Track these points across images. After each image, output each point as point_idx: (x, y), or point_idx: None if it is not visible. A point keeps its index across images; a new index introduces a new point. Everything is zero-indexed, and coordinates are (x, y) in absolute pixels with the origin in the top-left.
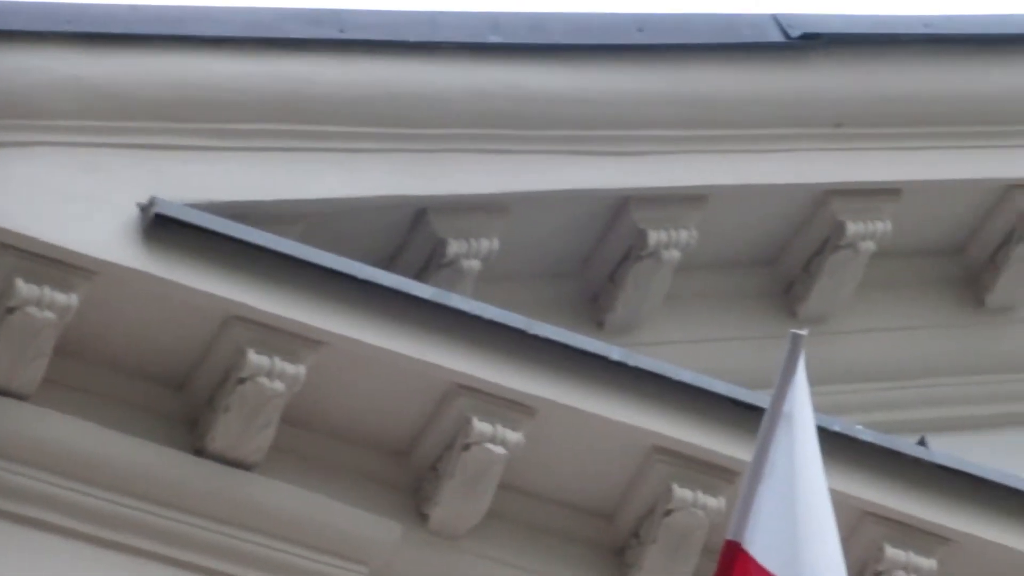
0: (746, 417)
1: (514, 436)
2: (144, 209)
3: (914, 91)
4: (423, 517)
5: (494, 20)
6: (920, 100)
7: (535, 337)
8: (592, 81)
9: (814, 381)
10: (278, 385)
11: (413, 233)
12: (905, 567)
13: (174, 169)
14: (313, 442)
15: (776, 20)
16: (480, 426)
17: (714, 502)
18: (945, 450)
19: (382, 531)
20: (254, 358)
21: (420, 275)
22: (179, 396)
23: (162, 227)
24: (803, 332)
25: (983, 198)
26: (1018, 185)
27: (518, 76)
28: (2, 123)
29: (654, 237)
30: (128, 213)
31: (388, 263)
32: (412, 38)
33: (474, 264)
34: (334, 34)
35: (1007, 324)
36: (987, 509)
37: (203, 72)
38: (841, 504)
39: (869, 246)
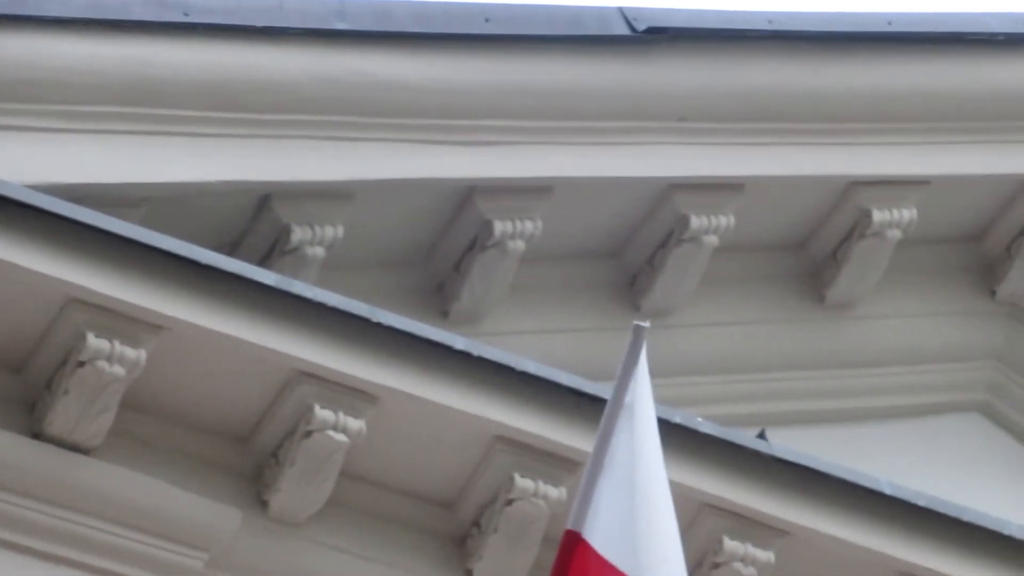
0: (588, 408)
1: (356, 424)
2: None
3: (758, 87)
4: (263, 504)
5: (340, 7)
6: (764, 96)
7: (379, 325)
8: (438, 70)
9: (656, 373)
10: (118, 369)
11: (257, 219)
12: (743, 559)
13: (14, 150)
14: (153, 427)
15: (622, 13)
16: (322, 413)
17: (555, 492)
18: (784, 444)
19: (222, 517)
20: (94, 342)
21: (264, 261)
22: (17, 379)
23: (0, 208)
24: (646, 324)
25: (826, 195)
26: (860, 182)
27: (364, 63)
28: None
29: (499, 228)
30: None
31: (232, 249)
32: (258, 23)
33: (318, 251)
34: (179, 17)
35: (847, 320)
36: (824, 502)
37: (47, 53)
38: (681, 496)
39: (712, 240)
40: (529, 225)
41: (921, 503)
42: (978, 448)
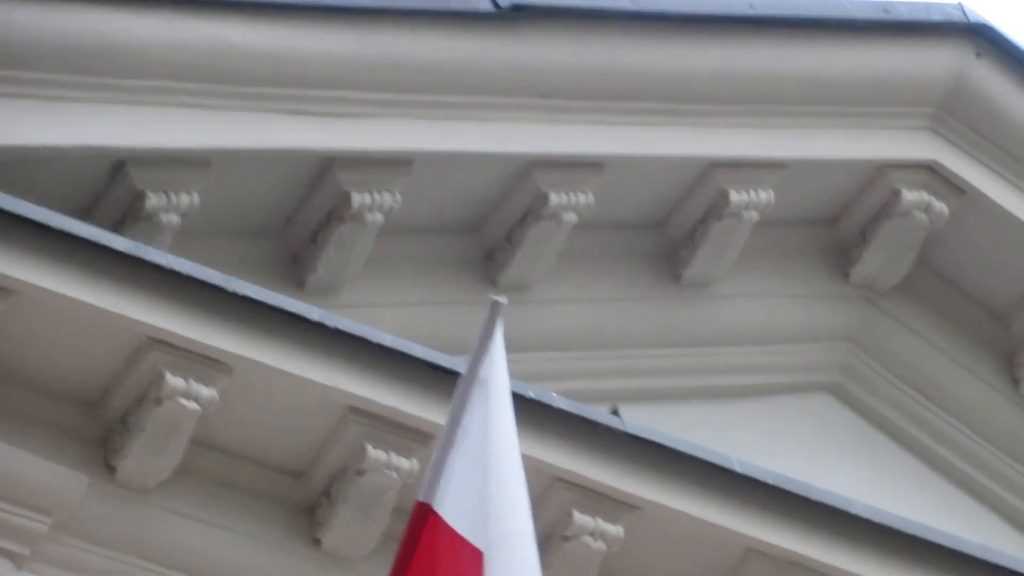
0: (442, 381)
1: (208, 392)
2: None
3: (621, 66)
4: (111, 469)
5: None
6: (626, 75)
7: (233, 294)
8: (299, 40)
9: (511, 348)
10: None
11: (112, 185)
12: (592, 533)
13: None
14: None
15: None
16: (173, 381)
17: (407, 464)
18: (637, 420)
19: (68, 482)
20: None
21: (117, 228)
22: None
23: None
24: (502, 299)
25: (684, 175)
26: (718, 164)
27: (223, 31)
28: None
29: (358, 200)
30: None
31: (85, 214)
32: None
33: (173, 219)
34: None
35: (702, 299)
36: (675, 478)
37: None
38: (532, 469)
39: (571, 218)
40: (388, 198)
41: (770, 481)
42: (829, 428)
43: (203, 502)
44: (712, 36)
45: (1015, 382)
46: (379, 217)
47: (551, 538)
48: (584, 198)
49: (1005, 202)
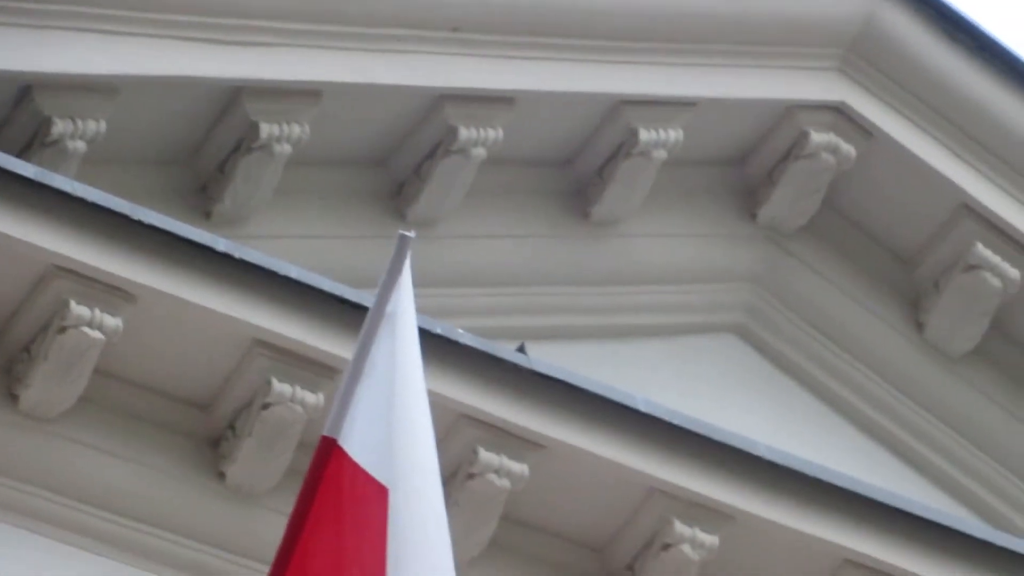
0: (349, 315)
1: (112, 321)
2: None
3: (533, 0)
4: (13, 398)
5: None
6: (538, 10)
7: (139, 223)
8: None
9: (420, 283)
10: None
11: (17, 110)
12: (497, 470)
13: None
14: None
15: None
16: (77, 309)
17: (313, 398)
18: (543, 358)
19: None
20: None
21: (23, 153)
22: None
23: None
24: (410, 234)
25: (594, 112)
26: (628, 101)
27: None
28: None
29: (266, 130)
30: None
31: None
32: None
33: (79, 146)
34: None
35: (610, 238)
36: (580, 417)
37: None
38: (439, 406)
39: (480, 153)
40: (296, 129)
41: (674, 421)
42: (734, 369)
43: (106, 433)
44: None
45: (919, 326)
46: (287, 148)
47: (456, 475)
48: (494, 133)
49: (912, 145)
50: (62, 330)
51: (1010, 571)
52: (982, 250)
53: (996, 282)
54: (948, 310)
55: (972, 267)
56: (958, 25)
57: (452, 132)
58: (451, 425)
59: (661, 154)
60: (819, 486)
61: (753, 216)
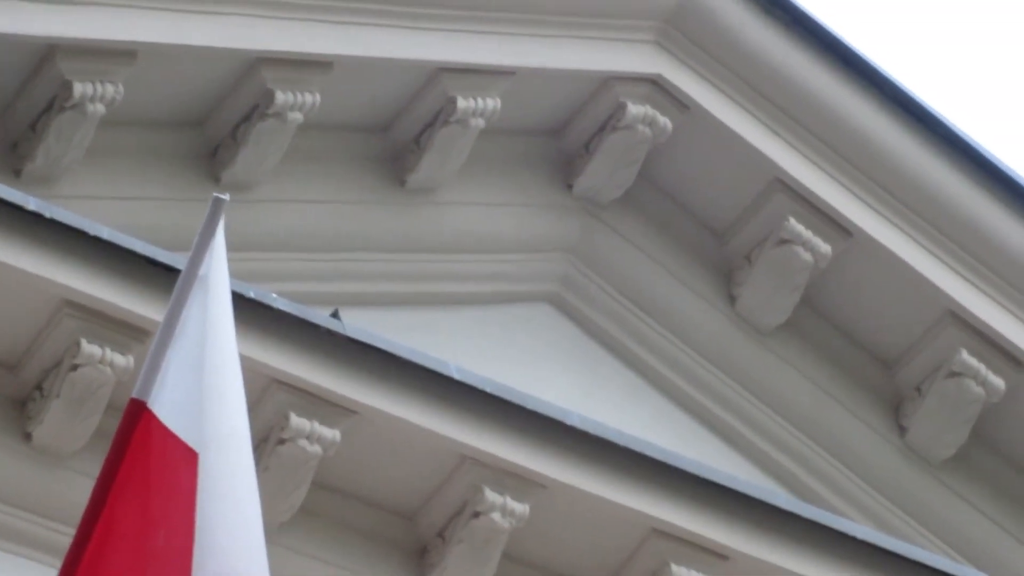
0: (162, 277)
1: None
2: None
3: None
4: None
5: None
6: None
7: None
8: None
9: (233, 247)
10: None
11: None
12: (309, 436)
13: None
14: None
15: None
16: None
17: (122, 360)
18: (357, 324)
19: None
20: None
21: None
22: None
23: None
24: (224, 197)
25: (412, 79)
26: (447, 69)
27: None
28: None
29: (79, 89)
30: None
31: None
32: None
33: None
34: None
35: (426, 205)
36: (394, 384)
37: None
38: (251, 370)
39: (297, 117)
40: (111, 89)
41: (487, 389)
42: (548, 339)
43: None
44: None
45: (731, 299)
46: (101, 108)
47: (267, 440)
48: (311, 98)
49: (727, 119)
50: None
51: (815, 543)
52: (794, 225)
53: (807, 256)
54: (760, 283)
55: (784, 241)
56: (774, 0)
57: (268, 96)
58: (263, 390)
59: (479, 123)
60: (630, 456)
61: (569, 187)
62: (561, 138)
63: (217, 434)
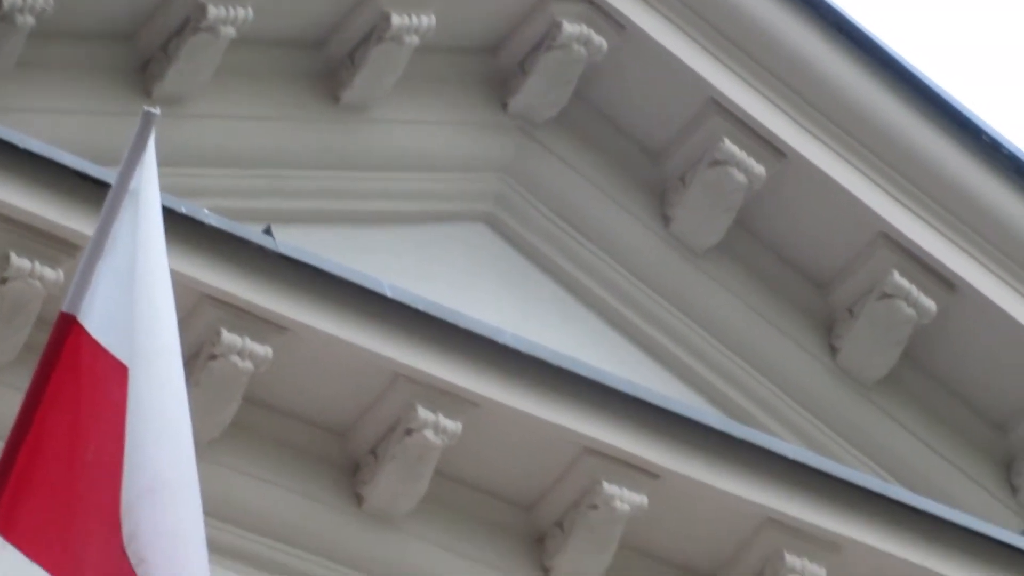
0: (92, 191)
1: None
2: None
3: None
4: None
5: None
6: None
7: None
8: None
9: (165, 162)
10: None
11: None
12: (240, 352)
13: None
14: None
15: None
16: None
17: (52, 274)
18: (290, 241)
19: None
20: None
21: None
22: None
23: None
24: (155, 111)
25: None
26: None
27: None
28: None
29: (8, 1)
30: None
31: None
32: None
33: None
34: None
35: (360, 122)
36: (326, 301)
37: None
38: (181, 286)
39: (229, 31)
40: (40, 0)
41: (420, 307)
42: (482, 258)
43: None
44: None
45: (665, 219)
46: (30, 20)
47: (198, 356)
48: (243, 12)
49: (664, 39)
50: None
51: (746, 462)
52: (728, 146)
53: (741, 178)
54: (694, 204)
55: (719, 162)
56: None
57: (200, 9)
58: (194, 305)
59: (413, 40)
60: (562, 375)
61: (504, 106)
62: (496, 56)
63: (147, 349)
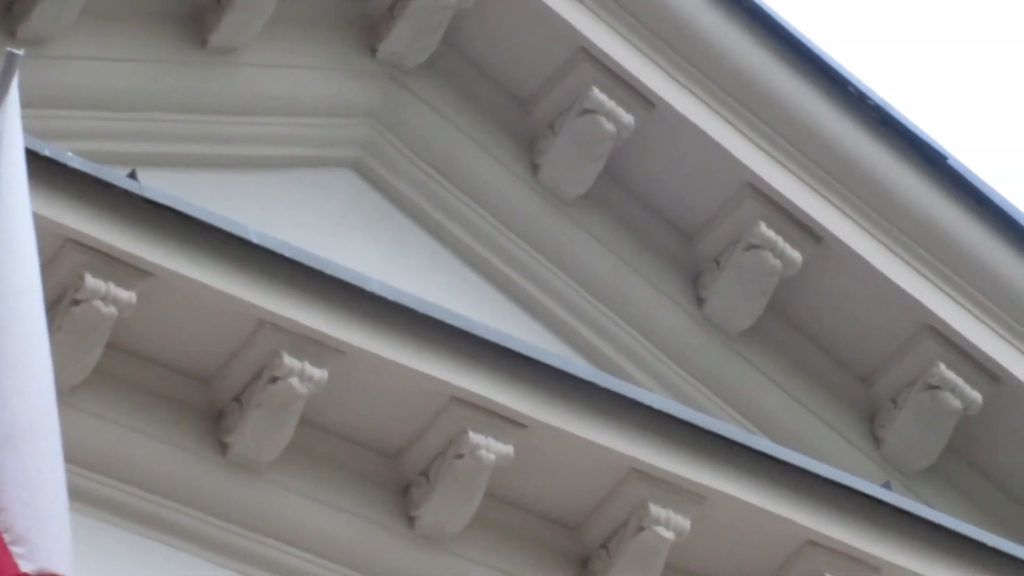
0: None
1: None
2: None
3: None
4: None
5: None
6: None
7: None
8: None
9: (29, 104)
10: None
11: None
12: (104, 297)
13: None
14: None
15: None
16: None
17: None
18: (155, 185)
19: None
20: None
21: None
22: None
23: None
24: (19, 52)
25: None
26: None
27: None
28: None
29: None
30: None
31: None
32: None
33: None
34: None
35: (228, 66)
36: (191, 246)
37: None
38: (45, 230)
39: None
40: None
41: (286, 253)
42: (349, 205)
43: None
44: None
45: (534, 168)
46: None
47: (61, 301)
48: None
49: None
50: None
51: (613, 413)
52: (598, 95)
53: (610, 127)
54: (563, 152)
55: (587, 111)
56: None
57: None
58: (57, 249)
59: None
60: (429, 323)
61: (373, 51)
62: (365, 1)
63: (8, 292)
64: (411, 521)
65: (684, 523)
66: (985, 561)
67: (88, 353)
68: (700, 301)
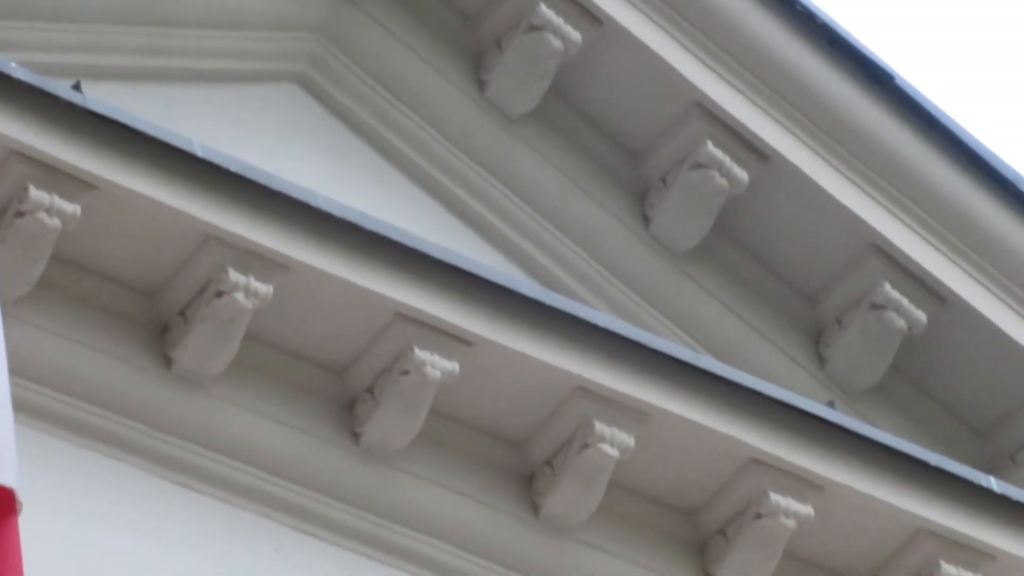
0: None
1: None
2: None
3: None
4: None
5: None
6: None
7: None
8: None
9: None
10: None
11: None
12: (48, 209)
13: None
14: None
15: None
16: None
17: None
18: (100, 97)
19: None
20: None
21: None
22: None
23: None
24: None
25: None
26: None
27: None
28: None
29: None
30: None
31: None
32: None
33: None
34: None
35: None
36: (135, 159)
37: None
38: None
39: None
40: None
41: (232, 168)
42: (294, 120)
43: None
44: None
45: (481, 84)
46: None
47: (5, 213)
48: None
49: None
50: None
51: (558, 331)
52: (545, 11)
53: (556, 43)
54: (510, 70)
55: (535, 28)
56: None
57: None
58: (1, 161)
59: None
60: (375, 240)
61: None
62: None
63: None
64: (356, 437)
65: (628, 440)
66: (928, 479)
67: (32, 266)
68: (647, 220)
